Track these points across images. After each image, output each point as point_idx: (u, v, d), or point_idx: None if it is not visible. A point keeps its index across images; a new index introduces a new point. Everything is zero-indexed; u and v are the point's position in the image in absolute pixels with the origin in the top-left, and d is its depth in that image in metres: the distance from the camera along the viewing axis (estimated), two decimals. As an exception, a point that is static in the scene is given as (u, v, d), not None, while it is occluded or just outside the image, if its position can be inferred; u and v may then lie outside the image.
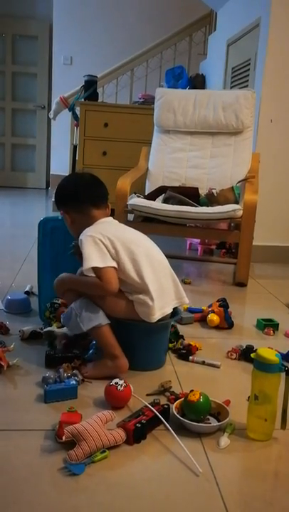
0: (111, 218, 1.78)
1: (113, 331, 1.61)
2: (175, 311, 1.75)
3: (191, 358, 1.78)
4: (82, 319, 1.59)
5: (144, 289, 1.59)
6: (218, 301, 2.18)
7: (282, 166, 3.36)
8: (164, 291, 1.65)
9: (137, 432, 1.26)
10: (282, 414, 1.33)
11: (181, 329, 1.98)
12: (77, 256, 1.74)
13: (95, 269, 1.57)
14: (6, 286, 2.47)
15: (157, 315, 1.61)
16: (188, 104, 3.33)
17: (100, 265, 1.56)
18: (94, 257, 1.57)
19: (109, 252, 1.60)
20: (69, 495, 1.07)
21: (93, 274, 1.57)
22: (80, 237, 1.63)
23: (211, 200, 2.91)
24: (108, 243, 1.60)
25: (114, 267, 1.59)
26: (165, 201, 2.92)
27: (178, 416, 1.35)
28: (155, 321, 1.61)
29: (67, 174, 5.18)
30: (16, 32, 6.65)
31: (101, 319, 1.59)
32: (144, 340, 1.67)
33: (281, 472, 1.22)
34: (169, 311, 1.68)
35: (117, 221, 1.79)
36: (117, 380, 1.43)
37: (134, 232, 1.76)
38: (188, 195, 2.91)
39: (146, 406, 1.37)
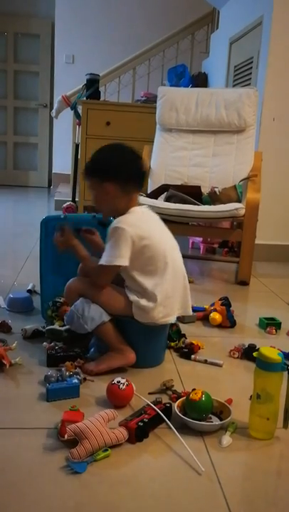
0: (145, 209, 1.69)
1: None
2: None
3: (193, 356, 1.78)
4: (85, 320, 1.60)
5: (152, 296, 1.57)
6: (220, 299, 2.18)
7: (284, 165, 3.35)
8: (172, 299, 1.62)
9: (139, 430, 1.26)
10: (284, 413, 1.33)
11: (184, 328, 1.98)
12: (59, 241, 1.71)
13: (101, 263, 1.56)
14: (9, 285, 2.47)
15: (158, 320, 1.61)
16: (191, 102, 3.32)
17: (114, 263, 1.55)
18: (118, 253, 1.54)
19: (134, 250, 1.55)
20: (71, 493, 1.07)
21: (100, 263, 1.57)
22: (117, 225, 1.56)
23: (214, 198, 2.91)
24: (138, 243, 1.55)
25: (120, 266, 1.56)
26: (167, 200, 2.92)
27: (180, 415, 1.34)
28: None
29: (69, 173, 5.07)
30: (18, 30, 6.65)
31: (104, 316, 1.61)
32: (142, 338, 1.67)
33: (283, 471, 1.22)
34: (172, 320, 1.66)
35: (151, 212, 1.71)
36: (119, 378, 1.43)
37: (165, 230, 1.69)
38: (191, 193, 2.90)
39: (148, 405, 1.37)
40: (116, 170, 1.60)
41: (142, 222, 1.62)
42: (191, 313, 1.73)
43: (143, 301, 1.58)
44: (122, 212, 1.63)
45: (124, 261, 1.55)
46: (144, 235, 1.57)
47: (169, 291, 1.60)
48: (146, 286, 1.58)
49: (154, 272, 1.59)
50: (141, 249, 1.57)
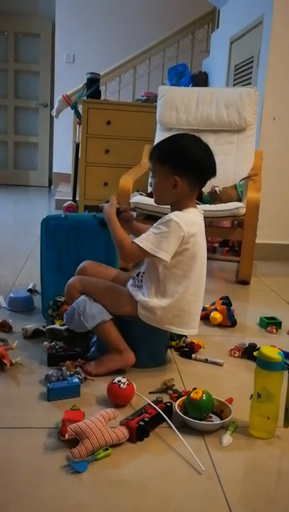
0: (199, 213, 1.62)
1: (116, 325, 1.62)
2: None
3: (193, 356, 1.78)
4: (86, 317, 1.59)
5: (166, 298, 1.56)
6: (221, 299, 2.18)
7: (285, 164, 3.35)
8: (183, 313, 1.59)
9: (140, 429, 1.26)
10: (284, 413, 1.33)
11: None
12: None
13: (141, 245, 1.51)
14: (9, 284, 2.47)
15: (163, 326, 1.60)
16: (191, 101, 3.32)
17: (158, 255, 1.50)
18: (166, 248, 1.49)
19: (178, 249, 1.51)
20: (72, 492, 1.07)
21: (140, 244, 1.50)
22: (175, 219, 1.50)
23: (214, 197, 2.90)
24: (183, 244, 1.51)
25: (161, 259, 1.52)
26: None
27: (181, 414, 1.34)
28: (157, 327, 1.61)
29: (69, 173, 5.04)
30: (19, 30, 6.65)
31: (104, 315, 1.60)
32: (144, 338, 1.66)
33: (284, 470, 1.22)
34: (181, 332, 1.65)
35: (202, 218, 1.63)
36: (119, 378, 1.43)
37: (205, 242, 1.63)
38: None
39: (149, 404, 1.37)
40: (196, 166, 1.55)
41: (195, 226, 1.56)
42: (196, 332, 1.68)
43: (153, 301, 1.57)
44: (179, 208, 1.58)
45: (168, 256, 1.50)
46: (190, 240, 1.53)
47: (184, 303, 1.58)
48: (166, 286, 1.56)
49: (180, 278, 1.56)
50: (182, 251, 1.53)
